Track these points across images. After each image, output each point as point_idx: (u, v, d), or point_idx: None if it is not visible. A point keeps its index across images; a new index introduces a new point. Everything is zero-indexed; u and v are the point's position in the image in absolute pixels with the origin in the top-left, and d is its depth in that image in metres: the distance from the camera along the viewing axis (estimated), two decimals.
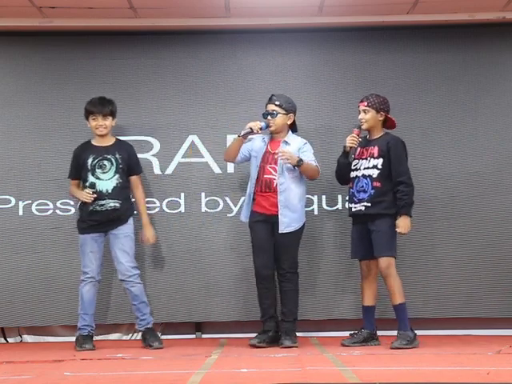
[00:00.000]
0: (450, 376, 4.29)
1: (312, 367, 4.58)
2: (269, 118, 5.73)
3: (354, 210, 5.66)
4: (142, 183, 5.99)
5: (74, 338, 5.84)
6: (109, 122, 5.82)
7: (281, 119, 5.74)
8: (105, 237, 5.82)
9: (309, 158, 5.73)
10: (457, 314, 6.27)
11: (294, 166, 5.65)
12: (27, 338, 6.38)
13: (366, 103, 5.64)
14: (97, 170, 5.79)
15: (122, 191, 5.82)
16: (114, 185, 5.79)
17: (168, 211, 6.34)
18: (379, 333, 5.73)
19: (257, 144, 5.84)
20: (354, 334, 5.66)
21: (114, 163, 5.82)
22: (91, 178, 5.79)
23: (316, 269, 6.29)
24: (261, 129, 5.69)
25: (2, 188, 6.32)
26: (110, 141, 5.89)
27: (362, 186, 5.60)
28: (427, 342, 5.71)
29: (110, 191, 5.77)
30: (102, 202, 5.75)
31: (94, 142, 5.90)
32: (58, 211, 6.29)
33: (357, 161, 5.66)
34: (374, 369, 4.59)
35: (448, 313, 6.27)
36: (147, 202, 6.17)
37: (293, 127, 5.84)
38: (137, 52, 6.44)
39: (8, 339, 6.36)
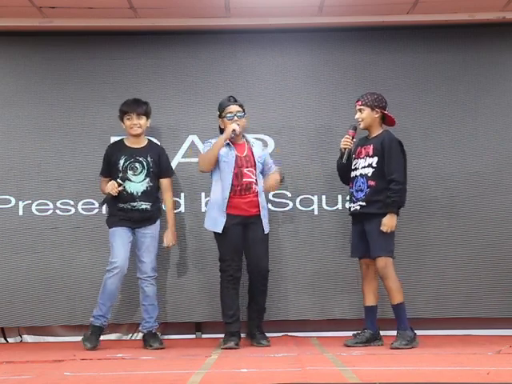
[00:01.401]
0: (450, 376, 4.29)
1: (312, 367, 4.58)
2: (235, 118, 5.74)
3: (352, 209, 5.66)
4: (172, 186, 6.00)
5: (74, 338, 5.85)
6: (143, 121, 5.83)
7: (244, 121, 5.79)
8: (133, 234, 5.83)
9: (271, 161, 5.90)
10: (457, 314, 6.27)
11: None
12: (27, 338, 6.38)
13: (360, 102, 5.64)
14: (128, 172, 5.81)
15: (152, 194, 5.85)
16: (144, 188, 5.81)
17: None
18: (382, 333, 5.72)
19: (224, 150, 5.76)
20: (357, 334, 5.65)
21: (146, 166, 5.83)
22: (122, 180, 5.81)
23: (316, 269, 6.29)
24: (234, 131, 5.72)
25: (1, 188, 6.32)
26: (142, 142, 5.90)
27: (359, 186, 5.60)
28: (427, 341, 5.71)
29: (139, 194, 5.79)
30: (134, 203, 5.78)
31: (126, 143, 5.90)
32: (57, 211, 6.29)
33: (356, 160, 5.66)
34: (373, 369, 4.59)
35: (448, 313, 6.27)
36: None
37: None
38: (137, 52, 6.44)
39: (8, 339, 6.36)
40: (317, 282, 6.28)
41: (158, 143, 6.15)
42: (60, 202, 6.30)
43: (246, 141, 5.83)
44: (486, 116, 6.39)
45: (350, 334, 5.73)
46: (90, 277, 6.17)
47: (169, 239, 5.93)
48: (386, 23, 6.33)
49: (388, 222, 5.49)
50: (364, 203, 5.55)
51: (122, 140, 5.93)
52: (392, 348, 5.38)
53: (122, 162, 5.82)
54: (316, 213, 6.34)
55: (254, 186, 5.73)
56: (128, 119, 5.82)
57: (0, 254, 6.27)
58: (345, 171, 5.73)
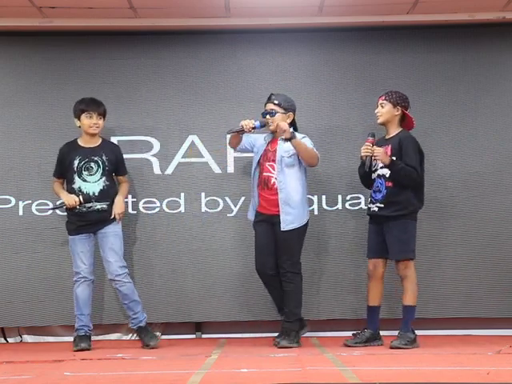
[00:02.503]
0: (450, 376, 4.29)
1: (312, 367, 4.58)
2: (268, 116, 5.73)
3: (371, 209, 5.66)
4: (128, 182, 6.02)
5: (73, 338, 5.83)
6: (101, 122, 5.83)
7: (280, 118, 5.73)
8: (94, 236, 5.82)
9: (308, 141, 5.74)
10: (457, 314, 6.27)
11: (286, 140, 5.64)
12: (27, 338, 6.38)
13: (384, 97, 5.62)
14: (83, 173, 5.78)
15: (109, 192, 5.82)
16: (101, 187, 5.78)
17: (168, 211, 6.34)
18: (382, 333, 5.72)
19: (259, 141, 5.85)
20: (357, 333, 5.65)
21: (101, 165, 5.80)
22: (78, 181, 5.77)
23: (316, 269, 6.29)
24: (254, 128, 5.68)
25: (1, 188, 6.32)
26: (97, 141, 5.87)
27: (378, 186, 5.60)
28: (427, 341, 5.71)
29: (96, 194, 5.77)
30: (89, 204, 5.75)
31: (80, 143, 5.87)
32: (57, 211, 6.27)
33: (375, 162, 5.63)
34: (373, 369, 4.59)
35: (448, 313, 6.27)
36: (147, 202, 6.26)
37: (293, 126, 5.82)
38: (137, 52, 6.44)
39: (8, 339, 6.36)
40: (317, 281, 6.28)
41: (114, 143, 6.11)
42: (60, 202, 6.29)
43: (282, 138, 5.74)
44: (486, 116, 6.39)
45: (350, 334, 5.73)
46: None
47: (117, 207, 5.81)
48: (386, 23, 6.33)
49: (382, 155, 5.44)
50: (382, 205, 5.55)
51: (75, 140, 5.89)
52: (392, 347, 5.39)
53: (76, 162, 5.80)
54: (316, 213, 6.33)
55: (272, 180, 5.70)
56: (88, 117, 5.77)
57: (0, 254, 6.27)
58: (365, 178, 5.73)
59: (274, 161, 5.72)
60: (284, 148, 5.72)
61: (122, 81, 6.41)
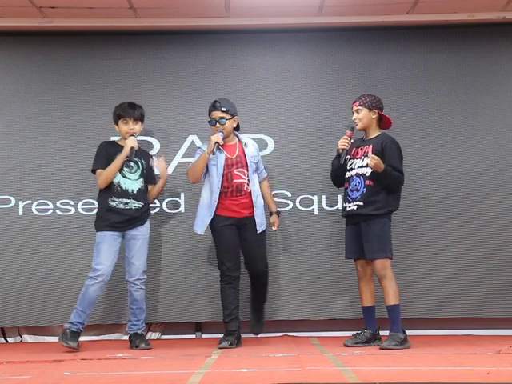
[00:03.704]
0: (450, 376, 4.29)
1: (312, 367, 4.58)
2: (217, 125, 5.71)
3: (347, 209, 5.64)
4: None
5: None
6: (138, 126, 5.78)
7: (229, 124, 5.74)
8: (122, 238, 5.74)
9: (262, 166, 5.92)
10: (457, 314, 6.27)
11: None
12: (27, 338, 6.38)
13: (358, 103, 5.62)
14: (124, 169, 5.73)
15: (144, 194, 5.80)
16: (139, 187, 5.76)
17: (168, 211, 6.35)
18: (383, 333, 5.72)
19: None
20: (357, 334, 5.65)
21: (140, 166, 5.80)
22: (118, 176, 5.70)
23: (316, 269, 6.29)
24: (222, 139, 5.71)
25: (1, 188, 6.32)
26: (137, 145, 5.77)
27: (355, 185, 5.59)
28: (427, 342, 5.71)
29: (135, 191, 5.73)
30: (127, 200, 5.71)
31: (121, 143, 5.80)
32: (57, 211, 6.29)
33: (352, 160, 5.64)
34: (373, 369, 4.59)
35: (448, 313, 6.27)
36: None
37: (237, 128, 5.85)
38: (137, 52, 6.44)
39: (8, 339, 6.36)
40: (317, 281, 6.28)
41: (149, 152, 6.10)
42: (60, 202, 6.31)
43: (239, 141, 5.82)
44: (486, 116, 6.40)
45: (350, 334, 5.73)
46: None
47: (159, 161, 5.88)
48: (386, 23, 6.34)
49: (376, 162, 5.38)
50: (361, 203, 5.53)
51: (114, 141, 5.88)
52: (382, 348, 5.37)
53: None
54: (316, 213, 6.34)
55: (246, 186, 5.73)
56: (124, 124, 5.75)
57: (0, 254, 6.28)
58: (339, 172, 5.71)
59: (242, 166, 5.74)
60: (250, 153, 5.79)
61: (122, 81, 6.41)
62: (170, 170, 6.36)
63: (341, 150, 5.61)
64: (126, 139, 5.74)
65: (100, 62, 6.43)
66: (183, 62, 6.46)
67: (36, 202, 6.31)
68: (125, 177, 5.74)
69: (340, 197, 6.31)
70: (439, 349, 5.44)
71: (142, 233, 5.76)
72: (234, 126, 5.78)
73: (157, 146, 6.36)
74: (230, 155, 5.75)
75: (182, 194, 6.36)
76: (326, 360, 4.97)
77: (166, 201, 6.35)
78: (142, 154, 5.84)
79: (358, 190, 5.56)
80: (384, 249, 5.50)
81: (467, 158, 6.37)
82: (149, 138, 6.37)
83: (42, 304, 6.23)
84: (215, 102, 5.73)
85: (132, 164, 5.76)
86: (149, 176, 5.87)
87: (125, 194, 5.71)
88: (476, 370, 4.50)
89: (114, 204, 5.69)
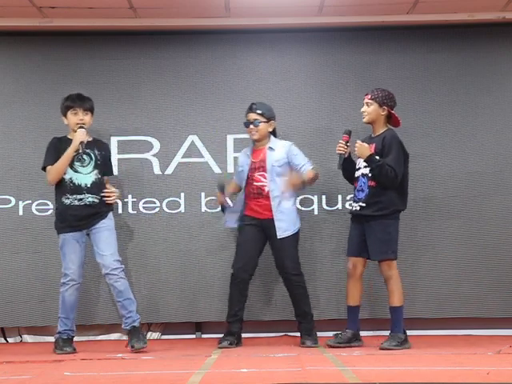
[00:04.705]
0: (450, 376, 4.29)
1: (312, 367, 4.58)
2: (252, 126, 5.74)
3: (353, 209, 5.65)
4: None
5: (74, 338, 5.81)
6: (88, 117, 5.64)
7: (263, 127, 5.75)
8: (86, 236, 5.63)
9: (304, 160, 5.77)
10: (457, 314, 6.27)
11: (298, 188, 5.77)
12: (27, 338, 6.38)
13: (370, 96, 5.57)
14: (75, 163, 5.60)
15: (100, 187, 5.64)
16: (93, 180, 5.62)
17: (168, 211, 6.34)
18: (373, 333, 5.72)
19: (241, 160, 5.90)
20: (339, 334, 5.62)
21: (93, 158, 5.65)
22: (69, 171, 5.58)
23: (316, 269, 6.29)
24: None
25: (1, 188, 6.32)
26: (87, 137, 5.65)
27: (361, 186, 5.58)
28: (427, 342, 5.71)
29: (88, 185, 5.59)
30: (81, 196, 5.57)
31: (70, 137, 5.64)
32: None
33: (359, 159, 5.62)
34: (373, 369, 4.59)
35: (448, 313, 6.27)
36: (147, 202, 6.27)
37: (273, 134, 5.85)
38: (137, 52, 6.44)
39: (8, 339, 6.36)
40: (316, 281, 6.28)
41: (103, 141, 5.94)
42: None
43: (270, 147, 5.80)
44: (486, 116, 6.40)
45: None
46: (89, 276, 6.15)
47: (111, 190, 5.69)
48: (386, 23, 6.33)
49: (362, 149, 5.43)
50: (364, 204, 5.53)
51: (65, 136, 5.70)
52: (381, 348, 5.36)
53: None
54: (316, 213, 6.34)
55: (265, 189, 5.73)
56: (74, 114, 5.59)
57: (0, 254, 6.27)
58: (348, 173, 5.71)
59: (263, 170, 5.75)
60: (274, 157, 5.76)
61: (122, 81, 6.41)
62: (170, 170, 6.36)
63: (338, 155, 5.61)
64: (75, 131, 5.59)
65: (100, 62, 6.43)
66: (183, 62, 6.46)
67: (36, 202, 6.31)
68: (77, 171, 5.59)
69: (340, 197, 6.32)
70: (439, 349, 5.44)
71: (106, 224, 5.61)
72: (270, 130, 5.79)
73: (157, 145, 6.36)
74: (254, 159, 5.80)
75: (182, 194, 6.36)
76: (326, 360, 4.97)
77: (166, 201, 6.35)
78: (94, 144, 5.68)
79: (363, 191, 5.56)
80: (386, 250, 5.48)
81: (467, 158, 6.37)
82: (149, 138, 6.37)
83: (41, 304, 6.23)
84: (252, 104, 5.78)
85: (84, 157, 5.61)
86: (104, 166, 5.72)
87: (78, 189, 5.57)
88: (476, 370, 4.51)
89: (68, 201, 5.58)
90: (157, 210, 6.32)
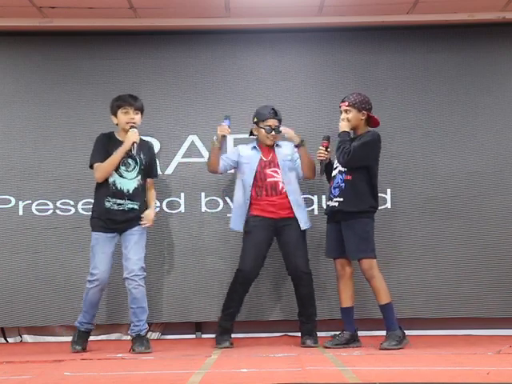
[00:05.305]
0: (450, 376, 4.29)
1: (312, 367, 4.58)
2: (273, 133, 5.77)
3: (329, 206, 5.61)
4: (155, 189, 5.84)
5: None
6: (138, 117, 5.59)
7: (278, 137, 5.85)
8: (118, 237, 5.61)
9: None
10: (457, 314, 6.27)
11: (296, 146, 5.75)
12: (27, 338, 6.38)
13: (347, 103, 5.55)
14: (121, 168, 5.55)
15: (141, 193, 5.62)
16: (136, 186, 5.58)
17: (168, 211, 6.35)
18: (369, 333, 5.72)
19: (245, 151, 5.88)
20: (336, 335, 5.62)
21: (139, 163, 5.60)
22: (114, 175, 5.53)
23: (316, 269, 6.28)
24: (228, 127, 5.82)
25: (1, 188, 6.32)
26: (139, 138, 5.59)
27: (337, 182, 5.56)
28: (427, 342, 5.71)
29: (130, 192, 5.55)
30: (121, 201, 5.54)
31: (118, 137, 5.60)
32: (57, 211, 6.29)
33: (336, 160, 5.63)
34: (373, 369, 4.59)
35: (448, 313, 6.27)
36: None
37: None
38: (137, 52, 6.44)
39: (8, 339, 6.36)
40: (316, 281, 6.26)
41: (149, 141, 5.92)
42: (60, 202, 6.30)
43: (276, 144, 5.85)
44: (486, 116, 6.40)
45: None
46: None
47: (148, 218, 5.64)
48: (386, 23, 6.33)
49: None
50: (341, 199, 5.50)
51: (112, 133, 5.65)
52: (381, 349, 5.36)
53: None
54: (316, 213, 6.33)
55: (280, 185, 5.75)
56: (125, 113, 5.54)
57: (0, 254, 6.27)
58: (331, 177, 5.70)
59: (275, 166, 5.77)
60: (282, 153, 5.81)
61: (122, 81, 6.41)
62: (170, 170, 6.36)
63: (319, 161, 5.63)
64: (125, 130, 5.55)
65: (100, 62, 6.43)
66: (183, 62, 6.46)
67: (36, 202, 6.31)
68: (121, 176, 5.55)
69: None
70: (439, 349, 5.44)
71: (138, 229, 5.60)
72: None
73: (157, 146, 6.35)
74: (265, 157, 5.82)
75: (182, 194, 6.36)
76: (326, 360, 4.97)
77: (166, 201, 6.35)
78: (141, 147, 5.62)
79: (339, 188, 5.55)
80: (365, 249, 5.47)
81: (467, 158, 6.37)
82: (149, 138, 6.35)
83: (41, 304, 6.23)
84: (274, 110, 5.79)
85: (130, 161, 5.58)
86: (149, 169, 5.69)
87: (119, 194, 5.54)
88: (476, 370, 4.51)
89: (108, 205, 5.54)
90: (157, 210, 6.31)
